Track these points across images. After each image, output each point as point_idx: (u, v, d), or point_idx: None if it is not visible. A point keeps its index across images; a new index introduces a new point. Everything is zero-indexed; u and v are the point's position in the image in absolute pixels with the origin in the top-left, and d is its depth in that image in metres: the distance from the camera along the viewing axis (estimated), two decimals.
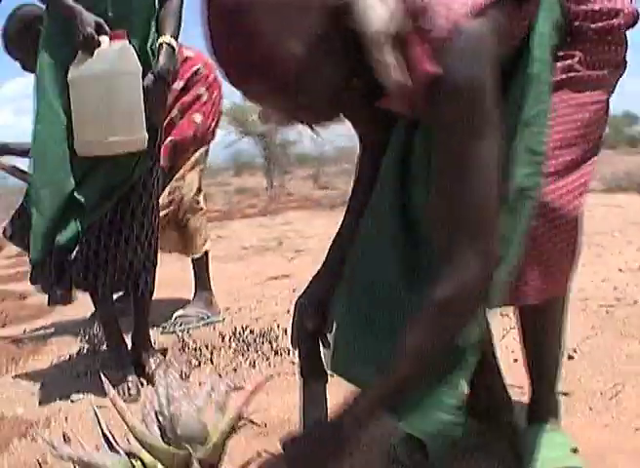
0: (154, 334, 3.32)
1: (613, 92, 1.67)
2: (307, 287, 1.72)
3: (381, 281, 1.57)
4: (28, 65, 3.46)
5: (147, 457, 1.82)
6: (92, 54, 2.43)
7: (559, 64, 1.55)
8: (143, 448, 1.82)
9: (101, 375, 1.98)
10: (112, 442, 1.87)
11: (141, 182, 2.70)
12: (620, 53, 1.61)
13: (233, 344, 3.21)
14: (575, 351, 2.69)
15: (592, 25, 1.54)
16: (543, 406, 1.82)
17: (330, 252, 1.75)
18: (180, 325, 3.56)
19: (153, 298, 2.98)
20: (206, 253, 3.91)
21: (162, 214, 3.62)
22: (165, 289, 4.23)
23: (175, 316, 3.69)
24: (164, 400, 1.90)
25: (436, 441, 1.49)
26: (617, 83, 1.67)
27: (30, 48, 3.19)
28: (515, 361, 2.45)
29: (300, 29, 1.22)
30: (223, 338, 3.32)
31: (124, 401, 2.00)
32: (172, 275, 4.34)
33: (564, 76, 1.56)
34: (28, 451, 2.17)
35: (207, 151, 3.91)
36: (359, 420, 1.41)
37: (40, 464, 1.98)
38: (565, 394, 2.18)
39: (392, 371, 1.40)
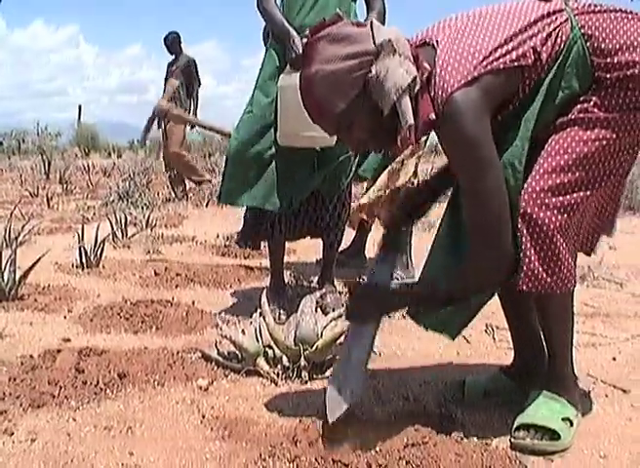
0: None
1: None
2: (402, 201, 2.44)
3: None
4: None
5: (276, 349, 2.62)
6: (298, 69, 3.11)
7: (577, 106, 1.98)
8: (274, 342, 2.61)
9: (264, 302, 2.77)
10: (258, 334, 2.68)
11: (339, 165, 3.42)
12: None
13: None
14: None
15: (608, 75, 1.95)
16: (552, 377, 2.19)
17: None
18: None
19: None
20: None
21: (380, 191, 4.33)
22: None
23: None
24: (299, 313, 2.68)
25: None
26: None
27: None
28: (614, 359, 2.88)
29: (342, 94, 1.91)
30: None
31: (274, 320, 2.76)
32: None
33: (575, 115, 1.97)
34: (212, 335, 3.04)
35: (426, 139, 4.48)
36: (397, 302, 2.20)
37: (216, 341, 2.81)
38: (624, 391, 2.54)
39: (429, 291, 2.13)
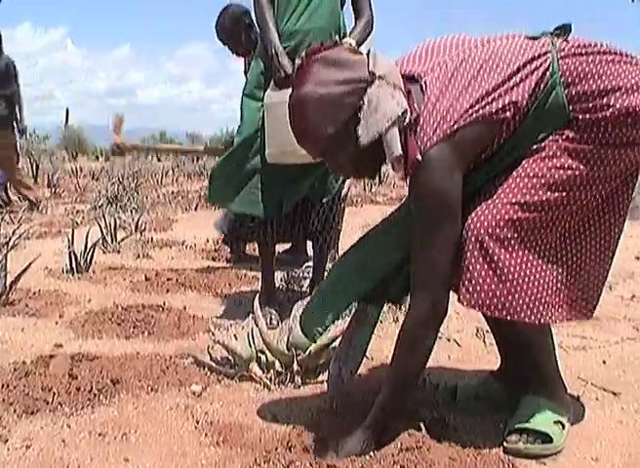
0: None
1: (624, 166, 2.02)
2: None
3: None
4: (237, 51, 4.42)
5: (269, 354, 2.63)
6: (282, 87, 3.07)
7: (549, 137, 2.00)
8: (267, 347, 2.62)
9: (257, 307, 2.79)
10: (250, 340, 2.69)
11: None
12: (622, 135, 1.96)
13: None
14: None
15: (581, 116, 1.98)
16: (541, 382, 2.21)
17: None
18: None
19: None
20: None
21: None
22: None
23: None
24: (292, 318, 2.69)
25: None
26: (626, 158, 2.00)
27: (238, 37, 4.04)
28: (604, 362, 2.91)
29: (332, 118, 1.93)
30: None
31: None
32: None
33: (546, 143, 1.99)
34: (204, 340, 3.05)
35: None
36: (384, 414, 2.07)
37: (209, 346, 2.82)
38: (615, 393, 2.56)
39: (389, 377, 2.08)
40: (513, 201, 1.96)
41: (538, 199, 1.96)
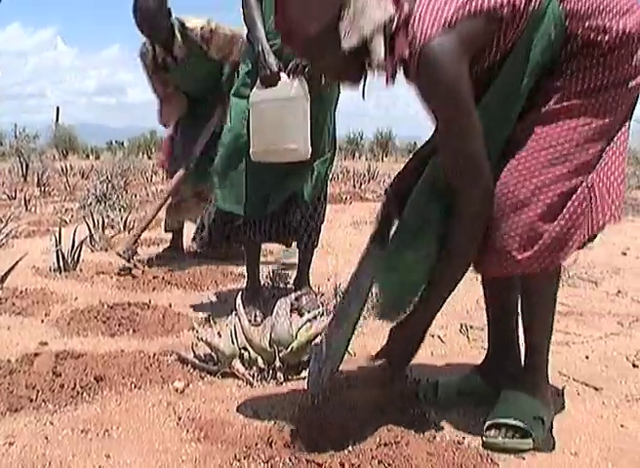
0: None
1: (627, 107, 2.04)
2: (394, 181, 2.35)
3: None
4: (160, 39, 4.38)
5: (251, 351, 2.64)
6: (269, 86, 3.11)
7: (552, 97, 1.99)
8: (249, 344, 2.63)
9: (239, 304, 2.78)
10: (233, 336, 2.70)
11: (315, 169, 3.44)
12: (622, 71, 1.97)
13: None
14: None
15: (579, 32, 1.95)
16: (525, 376, 2.23)
17: (412, 159, 2.38)
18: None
19: None
20: None
21: None
22: None
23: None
24: (274, 315, 2.71)
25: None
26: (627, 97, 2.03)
27: (162, 22, 4.12)
28: (587, 358, 2.95)
29: (316, 17, 1.90)
30: None
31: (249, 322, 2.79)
32: None
33: (551, 107, 1.99)
34: (188, 337, 3.06)
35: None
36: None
37: (193, 344, 2.82)
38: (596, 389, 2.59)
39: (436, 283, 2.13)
40: (542, 178, 1.97)
41: (569, 165, 1.97)
